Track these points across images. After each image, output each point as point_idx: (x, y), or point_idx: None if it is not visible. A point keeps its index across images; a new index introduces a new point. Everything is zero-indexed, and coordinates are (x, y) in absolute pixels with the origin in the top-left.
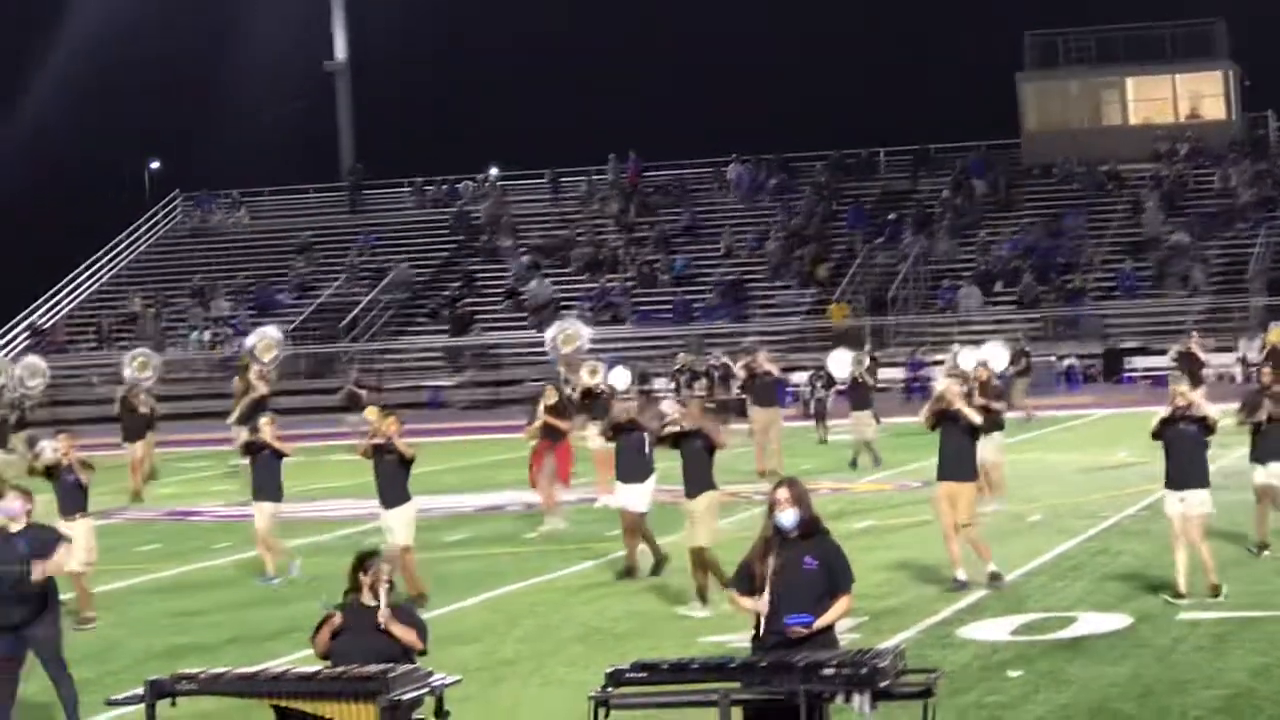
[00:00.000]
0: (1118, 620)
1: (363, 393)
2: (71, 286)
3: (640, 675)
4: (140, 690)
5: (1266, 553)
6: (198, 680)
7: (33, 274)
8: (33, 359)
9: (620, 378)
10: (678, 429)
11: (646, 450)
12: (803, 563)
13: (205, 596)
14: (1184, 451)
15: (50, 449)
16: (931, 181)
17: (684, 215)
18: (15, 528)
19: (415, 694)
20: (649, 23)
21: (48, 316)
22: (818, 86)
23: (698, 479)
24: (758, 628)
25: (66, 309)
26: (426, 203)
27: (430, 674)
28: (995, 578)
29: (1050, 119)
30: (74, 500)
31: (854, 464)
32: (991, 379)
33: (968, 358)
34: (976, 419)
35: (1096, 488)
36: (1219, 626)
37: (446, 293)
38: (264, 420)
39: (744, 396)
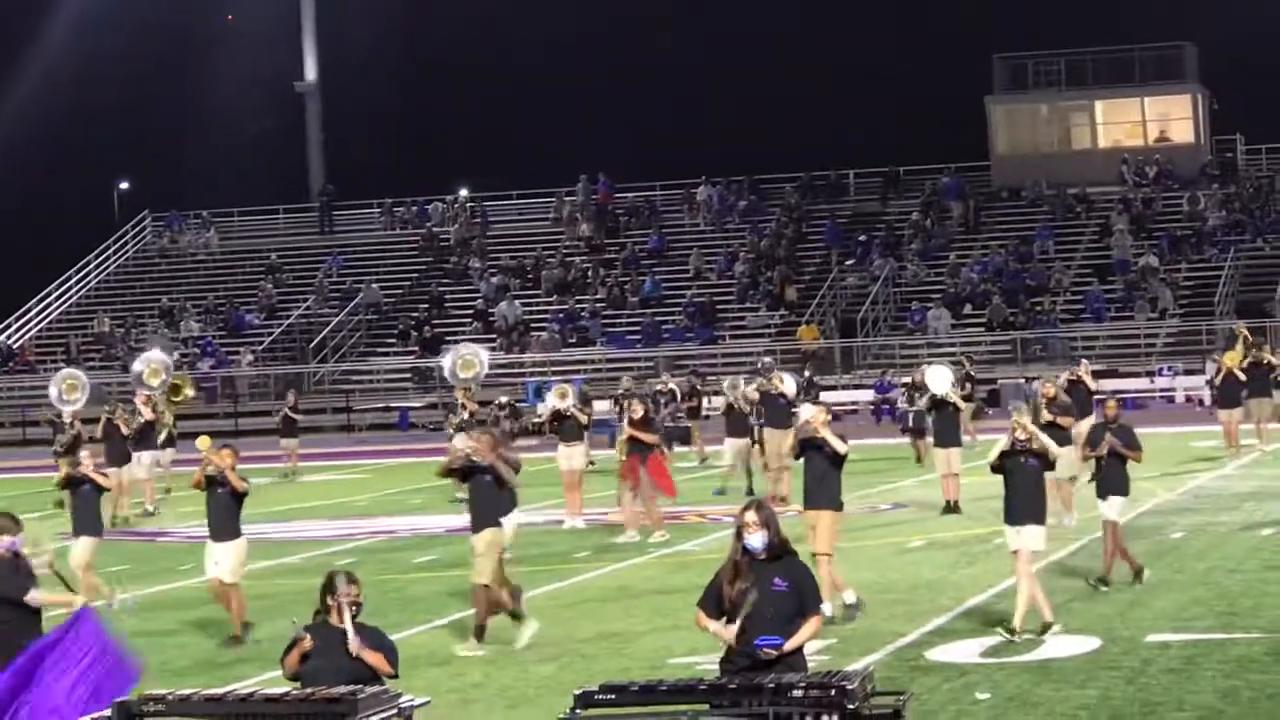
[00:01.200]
0: (1086, 643)
1: (298, 418)
2: (40, 306)
3: (609, 697)
4: (108, 712)
5: (1105, 588)
6: (165, 702)
7: (1, 293)
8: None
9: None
10: (468, 462)
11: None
12: (772, 584)
13: (173, 618)
14: (1023, 485)
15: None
16: (901, 204)
17: (653, 237)
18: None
19: (384, 716)
20: (619, 44)
21: (16, 336)
22: (787, 108)
23: (483, 514)
24: (728, 649)
25: (35, 329)
26: (396, 224)
27: (399, 696)
28: (851, 608)
29: (1019, 142)
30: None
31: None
32: (1059, 394)
33: (935, 377)
34: (841, 447)
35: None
36: (1188, 649)
37: (415, 314)
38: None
39: (687, 424)
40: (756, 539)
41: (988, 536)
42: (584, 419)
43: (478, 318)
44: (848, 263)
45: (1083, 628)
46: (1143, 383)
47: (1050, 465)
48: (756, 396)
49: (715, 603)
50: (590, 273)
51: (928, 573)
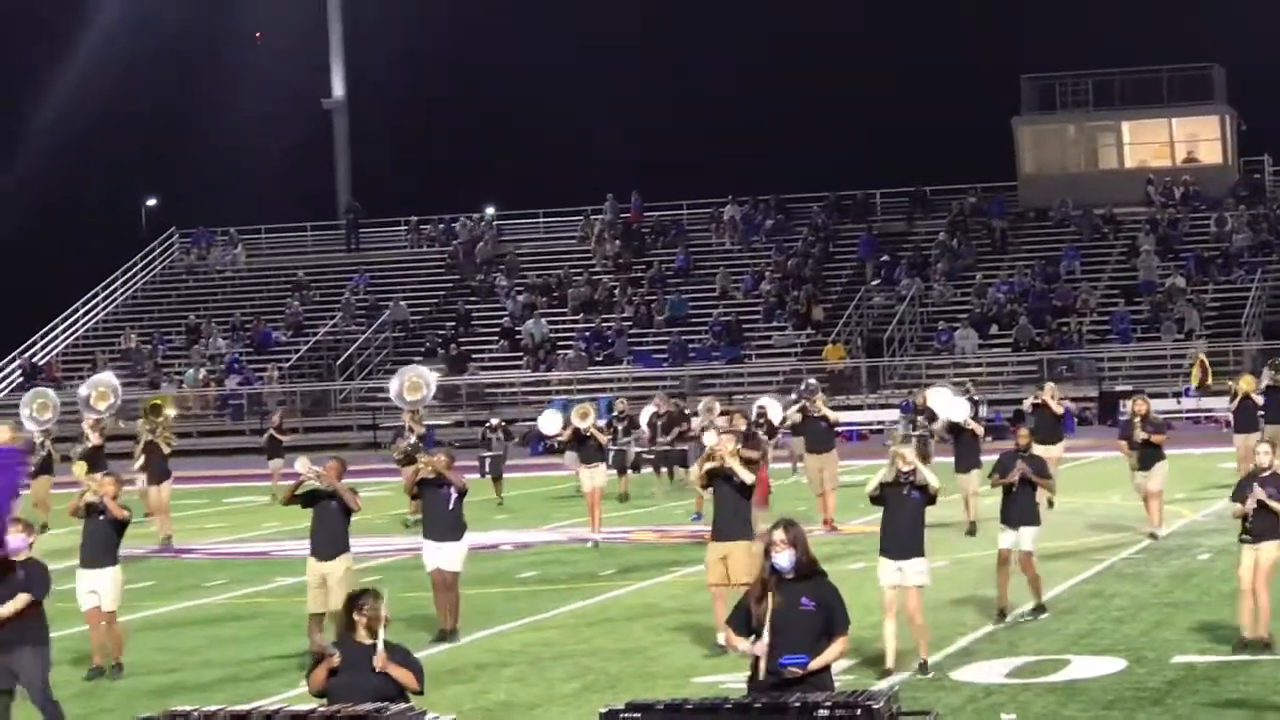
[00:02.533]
0: (1112, 664)
1: (284, 438)
2: (68, 323)
3: (635, 716)
4: None
5: (1005, 620)
6: (191, 719)
7: (29, 310)
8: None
9: (550, 422)
10: (311, 488)
11: (452, 506)
12: (800, 604)
13: (197, 634)
14: (903, 518)
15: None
16: (928, 224)
17: (679, 256)
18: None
19: None
20: (647, 63)
21: (43, 353)
22: (815, 128)
23: (332, 541)
24: (754, 668)
25: (62, 345)
26: (423, 241)
27: (424, 714)
28: (720, 647)
29: (1047, 162)
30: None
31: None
32: (1151, 411)
33: (945, 403)
34: (748, 478)
35: (1091, 530)
36: (1214, 670)
37: (442, 332)
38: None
39: (684, 448)
40: (784, 558)
41: None
42: (603, 439)
43: (504, 335)
44: (874, 282)
45: (1109, 648)
46: (1169, 404)
47: (933, 498)
48: (799, 418)
49: (744, 621)
50: (617, 291)
51: (953, 592)
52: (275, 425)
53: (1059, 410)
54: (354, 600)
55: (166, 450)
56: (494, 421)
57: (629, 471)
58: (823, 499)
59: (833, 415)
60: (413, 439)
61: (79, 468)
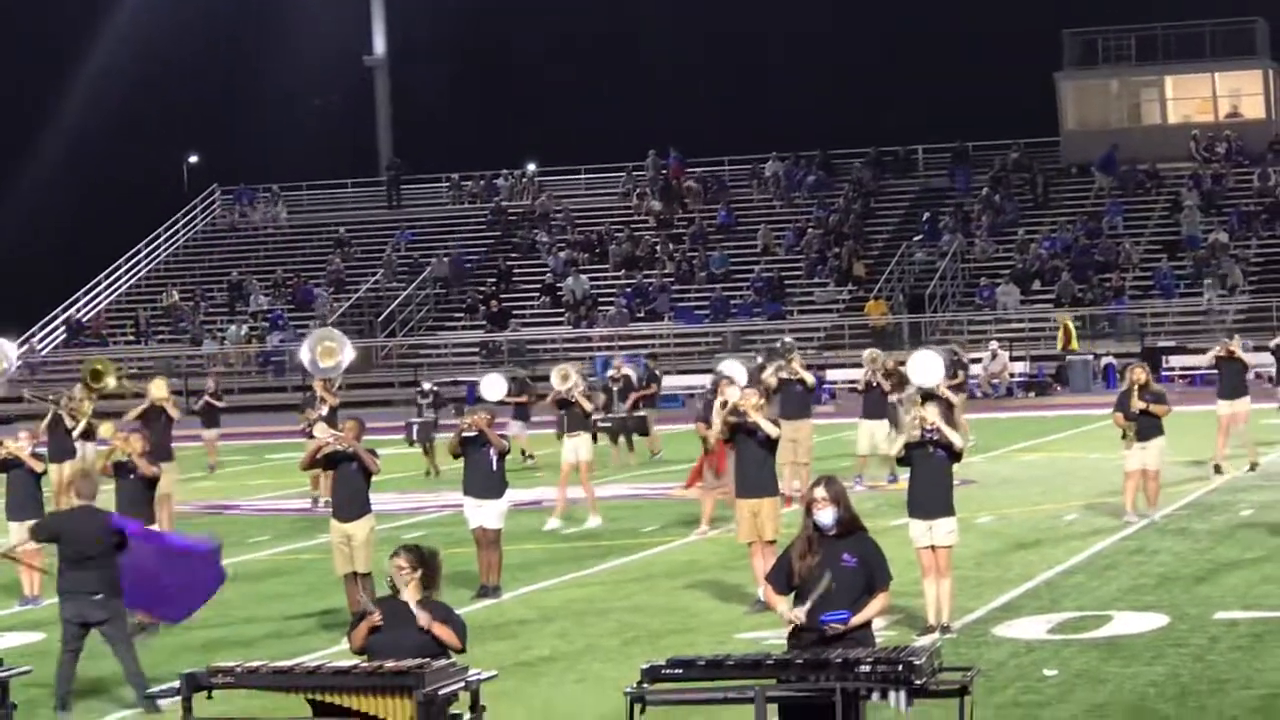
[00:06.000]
0: (1154, 619)
1: (219, 404)
2: (111, 280)
3: (676, 671)
4: (176, 684)
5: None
6: (234, 674)
7: (72, 267)
8: None
9: (494, 387)
10: (331, 450)
11: (495, 466)
12: (841, 560)
13: (241, 590)
14: (930, 478)
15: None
16: (970, 179)
17: (721, 212)
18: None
19: (451, 689)
20: (687, 18)
21: (86, 309)
22: (856, 83)
23: (354, 502)
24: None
25: (105, 302)
26: (464, 198)
27: (466, 669)
28: (761, 603)
29: (1089, 117)
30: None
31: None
32: (1151, 380)
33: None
34: (774, 431)
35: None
36: (1256, 626)
37: (483, 288)
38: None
39: (643, 414)
40: (826, 515)
41: (1057, 513)
42: (589, 407)
43: (546, 292)
44: (916, 238)
45: (1151, 605)
46: (1211, 360)
47: (958, 456)
48: (775, 383)
49: (785, 577)
50: (658, 247)
51: (995, 548)
52: (210, 392)
53: (1247, 360)
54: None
55: (71, 425)
56: (425, 386)
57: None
58: (793, 468)
59: (810, 378)
60: (324, 410)
61: (106, 428)
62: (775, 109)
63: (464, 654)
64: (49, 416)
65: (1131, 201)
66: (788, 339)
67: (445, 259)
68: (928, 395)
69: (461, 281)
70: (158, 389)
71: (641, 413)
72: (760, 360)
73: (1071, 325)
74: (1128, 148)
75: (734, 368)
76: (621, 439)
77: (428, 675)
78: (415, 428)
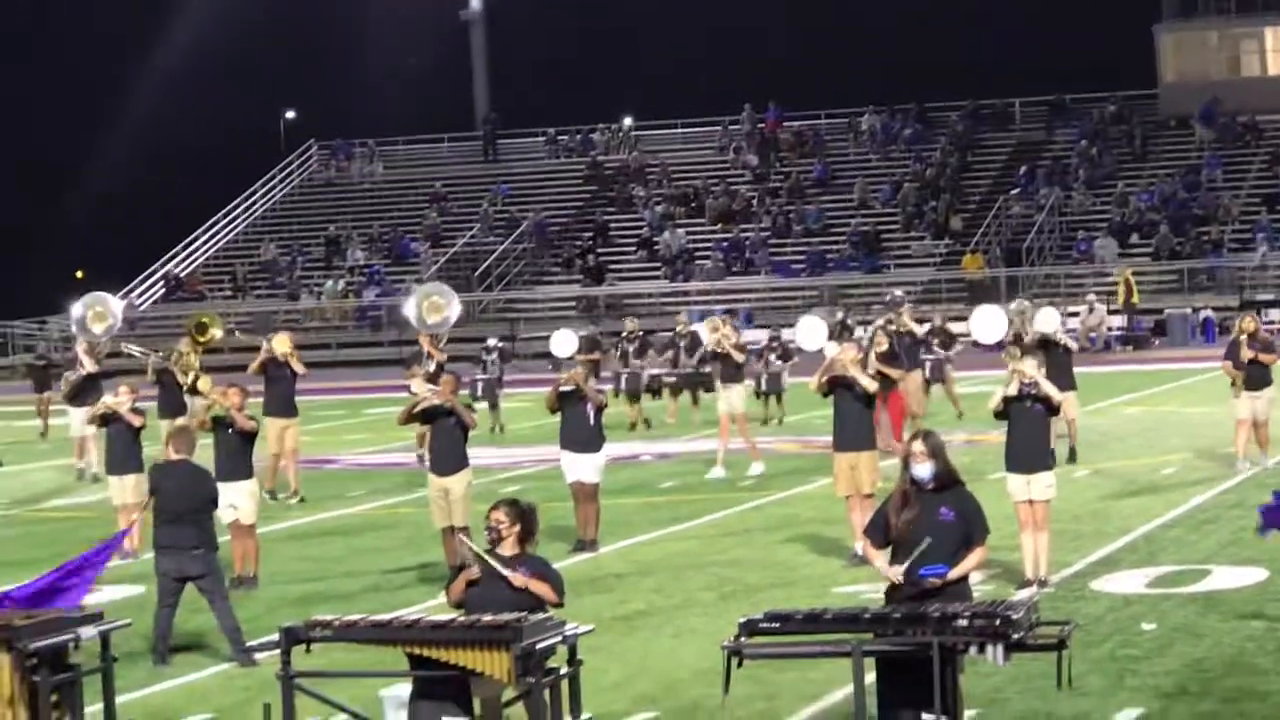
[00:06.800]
0: (1253, 574)
1: (44, 364)
2: (208, 235)
3: (773, 626)
4: (275, 637)
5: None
6: (332, 627)
7: (169, 223)
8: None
9: (565, 343)
10: (429, 405)
11: (592, 420)
12: (938, 514)
13: (339, 544)
14: (1028, 432)
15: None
16: (1066, 132)
17: (818, 165)
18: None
19: (548, 643)
20: None
21: (184, 265)
22: (953, 36)
23: (452, 456)
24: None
25: (202, 258)
26: (560, 152)
27: (563, 624)
28: (859, 556)
29: (1188, 70)
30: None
31: None
32: (1260, 329)
33: (1045, 317)
34: (871, 386)
35: (1232, 440)
36: None
37: (579, 243)
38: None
39: (707, 370)
40: (924, 469)
41: (1155, 466)
42: (739, 358)
43: (642, 246)
44: (1013, 191)
45: (1250, 559)
46: None
47: (1055, 410)
48: (885, 342)
49: (882, 531)
50: (755, 201)
51: (1093, 502)
52: (36, 355)
53: (920, 332)
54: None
55: (185, 380)
56: (490, 341)
57: (643, 397)
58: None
59: (919, 329)
60: (431, 366)
61: (204, 382)
62: (872, 62)
63: (561, 608)
64: (151, 372)
65: (1230, 154)
66: (898, 293)
67: (532, 217)
68: (1044, 343)
69: (549, 244)
70: (281, 344)
71: (707, 369)
72: (841, 316)
73: (1133, 279)
74: (1227, 100)
75: (812, 323)
76: (686, 395)
77: (525, 629)
78: (480, 384)
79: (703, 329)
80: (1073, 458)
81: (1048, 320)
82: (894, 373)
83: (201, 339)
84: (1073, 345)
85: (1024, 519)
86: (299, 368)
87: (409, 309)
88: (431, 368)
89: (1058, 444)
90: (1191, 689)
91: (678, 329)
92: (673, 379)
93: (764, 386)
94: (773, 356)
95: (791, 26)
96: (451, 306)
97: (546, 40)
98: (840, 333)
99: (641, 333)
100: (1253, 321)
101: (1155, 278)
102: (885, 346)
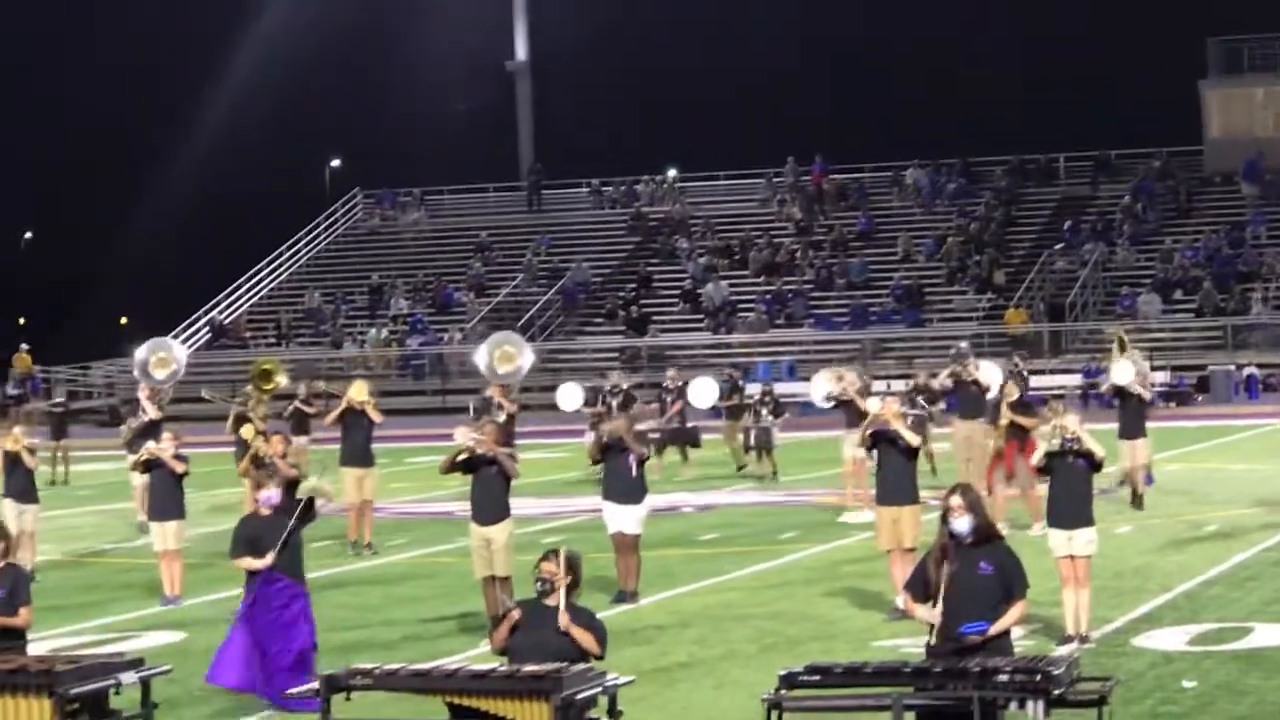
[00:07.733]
0: None
1: (310, 409)
2: (252, 283)
3: (814, 678)
4: (315, 685)
5: None
6: (373, 676)
7: (215, 269)
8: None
9: (571, 397)
10: (471, 455)
11: (635, 472)
12: (977, 568)
13: (379, 593)
14: (1071, 487)
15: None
16: (1111, 188)
17: (861, 218)
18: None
19: (589, 694)
20: (828, 26)
21: (229, 312)
22: (998, 91)
23: (494, 506)
24: (932, 633)
25: (247, 304)
26: (604, 203)
27: (604, 674)
28: (899, 610)
29: (1233, 126)
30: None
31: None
32: None
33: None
34: (914, 440)
35: (1276, 497)
36: None
37: (623, 294)
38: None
39: (694, 425)
40: (962, 523)
41: (1198, 523)
42: (863, 406)
43: (685, 298)
44: (1057, 247)
45: None
46: None
47: (1098, 466)
48: (950, 384)
49: (922, 586)
50: (798, 254)
51: (1135, 558)
52: (301, 398)
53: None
54: (542, 559)
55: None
56: (758, 393)
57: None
58: (964, 465)
59: (986, 380)
60: (501, 417)
61: (248, 430)
62: (916, 116)
63: (602, 660)
64: (231, 420)
65: (1275, 211)
66: (963, 344)
67: (573, 271)
68: (1120, 393)
69: (588, 296)
70: (358, 392)
71: (691, 424)
72: (730, 375)
73: (1125, 337)
74: (1272, 156)
75: (705, 384)
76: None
77: (565, 679)
78: (752, 433)
79: (820, 378)
80: (1137, 503)
81: (1123, 372)
82: (1028, 421)
83: (266, 387)
84: (1146, 395)
85: (1065, 574)
86: (376, 416)
87: (480, 358)
88: (502, 418)
89: (1120, 490)
90: None
91: (666, 384)
92: (657, 435)
93: (753, 440)
94: (764, 411)
95: (837, 79)
96: (524, 356)
97: (591, 91)
98: (730, 394)
99: (625, 388)
100: None
101: (1199, 334)
102: (1016, 395)
